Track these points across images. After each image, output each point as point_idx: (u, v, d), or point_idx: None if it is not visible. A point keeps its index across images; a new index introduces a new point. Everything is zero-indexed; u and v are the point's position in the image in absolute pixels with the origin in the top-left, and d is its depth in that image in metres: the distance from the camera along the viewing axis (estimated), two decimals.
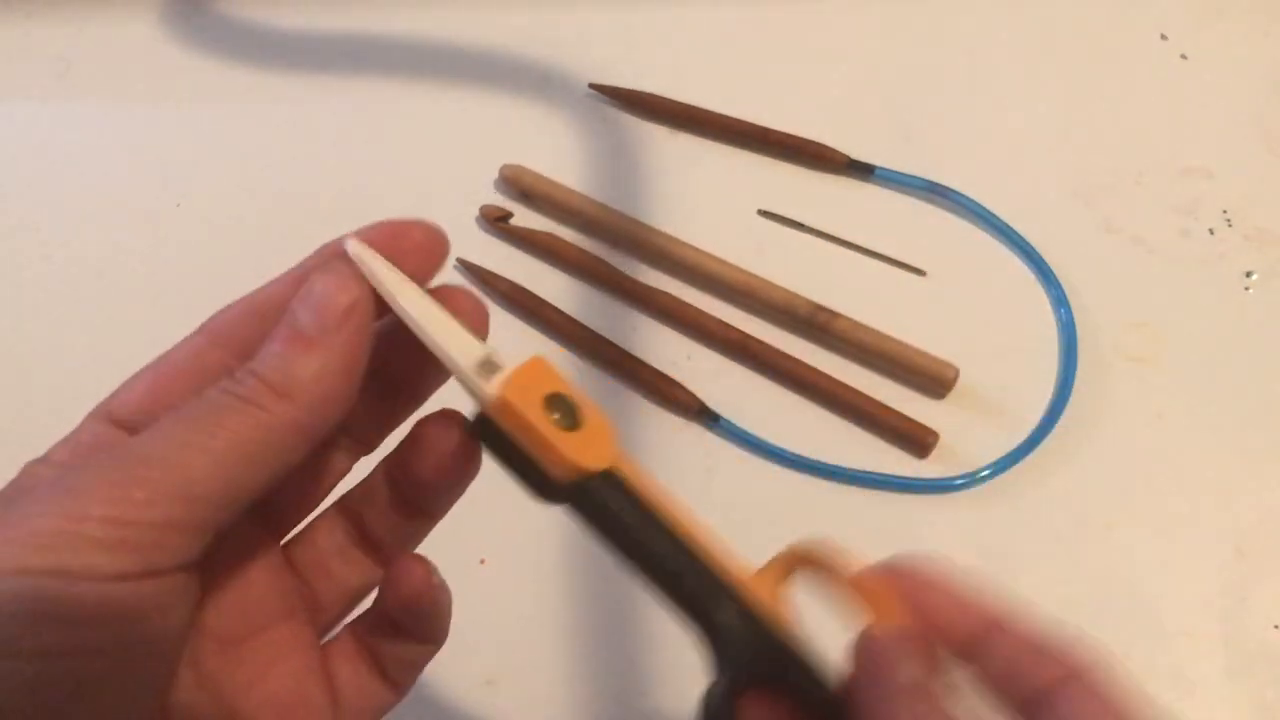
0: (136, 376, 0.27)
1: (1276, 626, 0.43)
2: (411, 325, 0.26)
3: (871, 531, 0.45)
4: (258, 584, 0.27)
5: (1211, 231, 0.52)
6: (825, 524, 0.46)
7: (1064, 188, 0.53)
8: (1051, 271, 0.50)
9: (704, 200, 0.53)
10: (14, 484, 0.25)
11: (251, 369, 0.24)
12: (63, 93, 0.58)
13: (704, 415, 0.48)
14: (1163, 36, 0.58)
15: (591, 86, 0.56)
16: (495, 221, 0.52)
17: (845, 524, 0.46)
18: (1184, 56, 0.57)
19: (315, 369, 0.24)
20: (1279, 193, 0.53)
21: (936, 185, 0.53)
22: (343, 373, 0.24)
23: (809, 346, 0.50)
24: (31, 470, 0.25)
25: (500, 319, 0.51)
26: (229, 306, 0.27)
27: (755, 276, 0.50)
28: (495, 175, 0.54)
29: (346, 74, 0.58)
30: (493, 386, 0.25)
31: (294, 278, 0.27)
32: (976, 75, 0.57)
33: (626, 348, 0.49)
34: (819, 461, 0.47)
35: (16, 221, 0.54)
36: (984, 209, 0.52)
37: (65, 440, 0.26)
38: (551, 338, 0.50)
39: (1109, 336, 0.49)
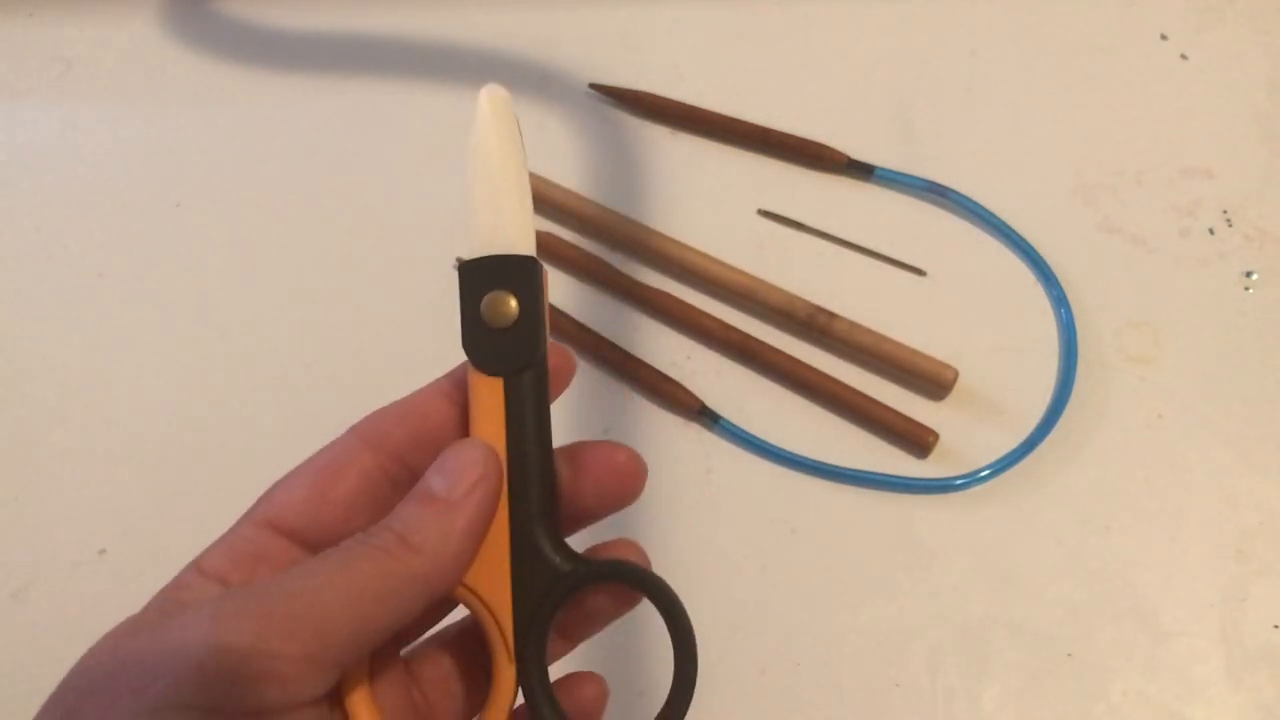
0: (291, 479, 0.28)
1: (1276, 626, 0.43)
2: (469, 187, 0.28)
3: (871, 531, 0.46)
4: (383, 701, 0.27)
5: (1211, 231, 0.52)
6: (825, 524, 0.46)
7: (1064, 188, 0.53)
8: (1051, 271, 0.50)
9: (704, 200, 0.53)
10: (172, 590, 0.26)
11: (387, 524, 0.26)
12: (63, 93, 0.58)
13: (704, 415, 0.48)
14: (1163, 36, 0.58)
15: (591, 86, 0.56)
16: None
17: (845, 524, 0.46)
18: (1184, 56, 0.57)
19: (442, 529, 0.26)
20: (1279, 193, 0.53)
21: (936, 185, 0.53)
22: (465, 535, 0.26)
23: (809, 347, 0.50)
24: (186, 580, 0.26)
25: None
26: (379, 411, 0.29)
27: (755, 278, 0.50)
28: None
29: (346, 74, 0.58)
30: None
31: (441, 389, 0.29)
32: (977, 75, 0.57)
33: (626, 348, 0.49)
34: (819, 461, 0.47)
35: (16, 221, 0.54)
36: (984, 209, 0.52)
37: (222, 543, 0.27)
38: (551, 338, 0.50)
39: (1109, 336, 0.49)
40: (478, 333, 0.28)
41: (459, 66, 0.58)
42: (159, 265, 0.53)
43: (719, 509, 0.46)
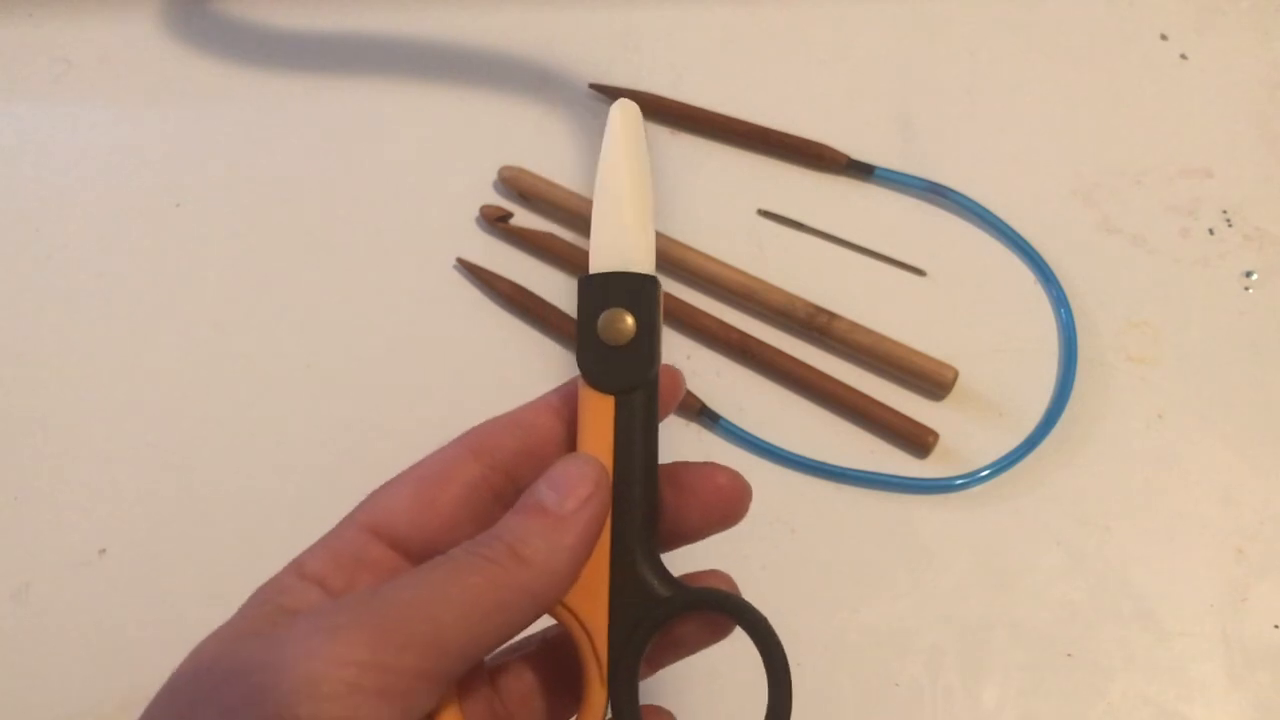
0: (397, 486, 0.28)
1: (1276, 626, 0.43)
2: (597, 194, 0.28)
3: (871, 531, 0.46)
4: (467, 712, 0.27)
5: (1211, 231, 0.52)
6: (825, 524, 0.46)
7: (1064, 188, 0.53)
8: (1051, 271, 0.50)
9: (704, 201, 0.53)
10: (273, 592, 0.26)
11: (496, 533, 0.26)
12: (63, 93, 0.58)
13: (704, 415, 0.48)
14: (1163, 36, 0.58)
15: (591, 86, 0.56)
16: (495, 221, 0.52)
17: (845, 524, 0.46)
18: (1184, 56, 0.57)
19: (551, 543, 0.25)
20: (1279, 193, 0.53)
21: (936, 185, 0.53)
22: (575, 550, 0.26)
23: (809, 347, 0.50)
24: (288, 584, 0.26)
25: (500, 319, 0.51)
26: (487, 422, 0.29)
27: (755, 278, 0.50)
28: (495, 176, 0.54)
29: (346, 74, 0.58)
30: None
31: (550, 404, 0.29)
32: (977, 75, 0.57)
33: None
34: (819, 461, 0.47)
35: (16, 221, 0.54)
36: (984, 209, 0.52)
37: (323, 545, 0.27)
38: (552, 337, 0.50)
39: (1109, 336, 0.49)
40: (592, 349, 0.27)
41: (459, 66, 0.58)
42: (159, 265, 0.53)
43: None
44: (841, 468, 0.46)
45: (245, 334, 0.51)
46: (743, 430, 0.47)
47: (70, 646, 0.44)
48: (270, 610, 0.25)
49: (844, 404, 0.48)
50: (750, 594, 0.44)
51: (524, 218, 0.53)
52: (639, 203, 0.28)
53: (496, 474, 0.28)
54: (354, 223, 0.54)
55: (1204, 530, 0.45)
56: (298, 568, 0.26)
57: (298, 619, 0.24)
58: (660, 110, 0.56)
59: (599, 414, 0.27)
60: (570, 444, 0.28)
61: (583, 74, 0.57)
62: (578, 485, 0.26)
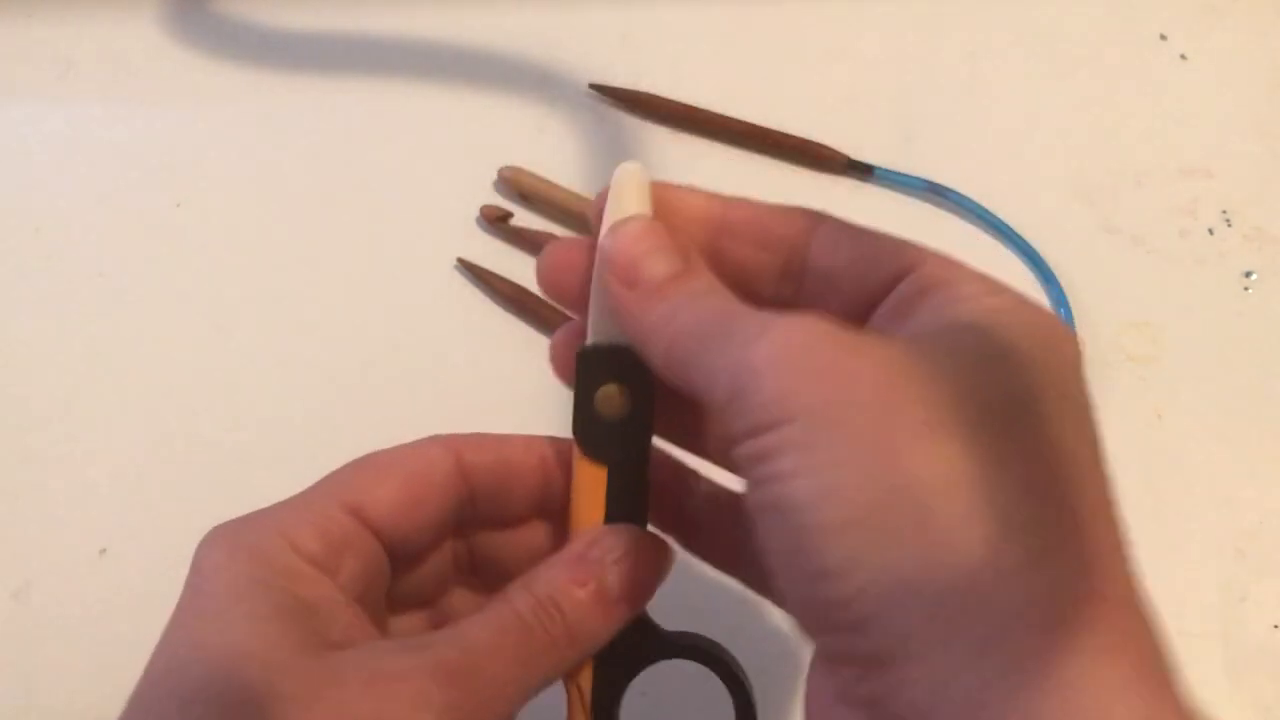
0: (382, 473, 0.27)
1: (1276, 626, 0.43)
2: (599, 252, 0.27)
3: None
4: None
5: (1211, 231, 0.52)
6: None
7: (1064, 188, 0.53)
8: (1051, 271, 0.50)
9: None
10: (265, 570, 0.25)
11: (559, 605, 0.26)
12: (63, 93, 0.58)
13: None
14: (1162, 36, 0.58)
15: (591, 86, 0.56)
16: (495, 221, 0.52)
17: None
18: (1184, 56, 0.57)
19: (598, 627, 0.26)
20: (1279, 193, 0.53)
21: (936, 185, 0.52)
22: (607, 634, 0.27)
23: None
24: (291, 566, 0.25)
25: (500, 319, 0.51)
26: (474, 434, 0.28)
27: None
28: (495, 176, 0.54)
29: (346, 74, 0.58)
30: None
31: (539, 451, 0.29)
32: (976, 75, 0.57)
33: None
34: None
35: (16, 221, 0.54)
36: (984, 209, 0.52)
37: (310, 519, 0.26)
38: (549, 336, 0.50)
39: (1109, 336, 0.49)
40: (588, 419, 0.27)
41: (460, 66, 0.58)
42: (159, 265, 0.53)
43: None
44: None
45: (245, 334, 0.51)
46: None
47: (70, 646, 0.44)
48: (283, 597, 0.24)
49: None
50: (751, 594, 0.44)
51: (524, 218, 0.53)
52: None
53: (466, 491, 0.28)
54: (354, 223, 0.54)
55: (1204, 530, 0.45)
56: (287, 538, 0.25)
57: (354, 655, 0.24)
58: (660, 110, 0.55)
59: (591, 484, 0.27)
60: (542, 493, 0.28)
61: (583, 74, 0.57)
62: (650, 578, 0.27)
